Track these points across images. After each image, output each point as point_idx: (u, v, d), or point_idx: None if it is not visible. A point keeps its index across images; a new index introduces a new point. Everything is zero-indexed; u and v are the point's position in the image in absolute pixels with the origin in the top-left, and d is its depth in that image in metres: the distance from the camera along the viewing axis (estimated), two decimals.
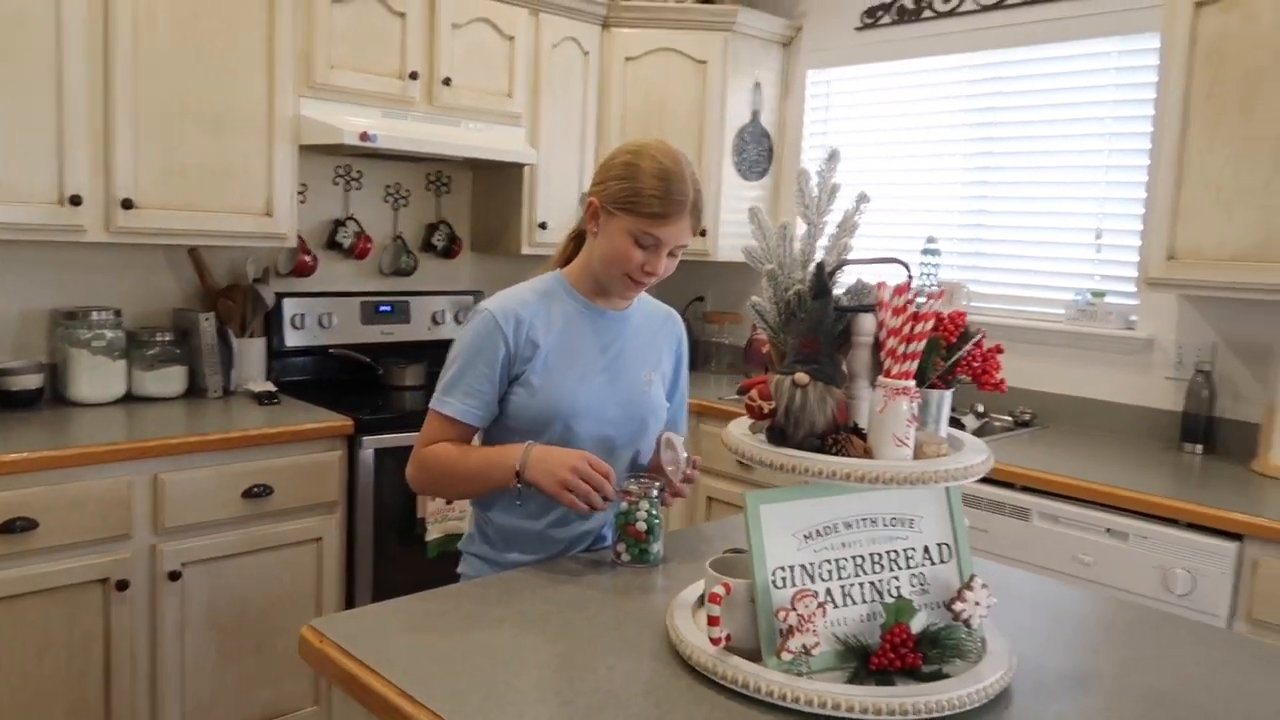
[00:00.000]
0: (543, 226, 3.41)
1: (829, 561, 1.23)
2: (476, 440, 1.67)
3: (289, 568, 2.59)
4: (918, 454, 1.20)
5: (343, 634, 1.29)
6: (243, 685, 2.55)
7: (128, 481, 2.31)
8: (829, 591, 1.22)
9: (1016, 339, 3.03)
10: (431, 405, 1.62)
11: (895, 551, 1.26)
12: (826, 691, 1.11)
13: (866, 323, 1.24)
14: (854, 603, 1.23)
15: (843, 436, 1.19)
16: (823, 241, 1.30)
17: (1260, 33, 2.33)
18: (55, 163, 2.42)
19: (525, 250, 3.41)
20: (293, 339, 3.14)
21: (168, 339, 2.83)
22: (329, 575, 2.67)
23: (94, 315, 2.71)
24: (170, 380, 2.82)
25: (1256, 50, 2.34)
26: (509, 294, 1.67)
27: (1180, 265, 2.47)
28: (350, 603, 2.71)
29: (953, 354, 1.24)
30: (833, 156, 1.30)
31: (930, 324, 1.18)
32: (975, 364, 1.26)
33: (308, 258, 3.17)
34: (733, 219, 3.62)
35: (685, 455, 1.59)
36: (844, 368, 1.24)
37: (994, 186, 3.25)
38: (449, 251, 3.55)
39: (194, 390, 2.87)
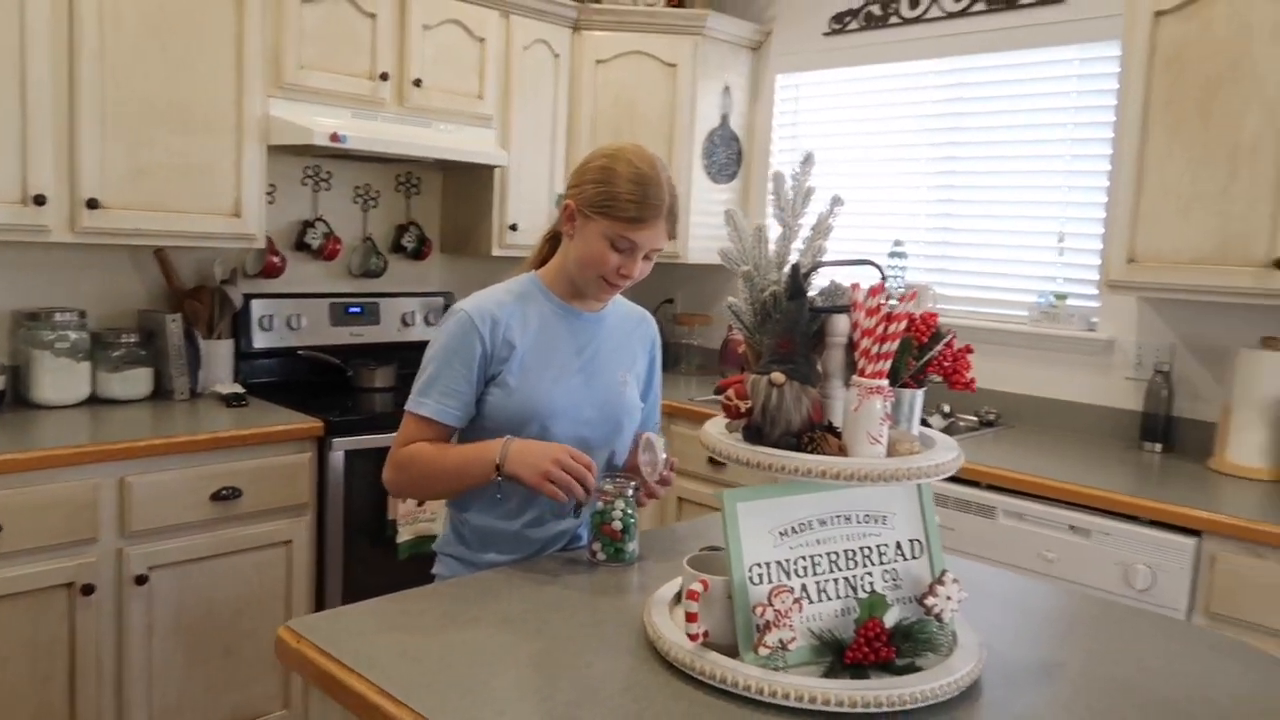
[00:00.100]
0: (513, 228, 3.41)
1: (804, 558, 1.25)
2: (453, 442, 1.68)
3: (258, 570, 2.57)
4: (891, 452, 1.22)
5: (320, 634, 1.29)
6: (211, 689, 2.52)
7: (93, 484, 2.28)
8: (804, 587, 1.24)
9: (981, 340, 3.08)
10: (407, 406, 1.62)
11: (868, 548, 1.29)
12: (803, 685, 1.13)
13: (840, 323, 1.27)
14: (829, 598, 1.25)
15: (818, 435, 1.21)
16: (797, 243, 1.32)
17: (1217, 42, 2.39)
18: (19, 162, 2.38)
19: (496, 252, 3.41)
20: (261, 340, 3.11)
21: (133, 340, 2.80)
22: (299, 578, 2.65)
23: (58, 316, 2.67)
24: (136, 382, 2.79)
25: (1213, 59, 2.40)
26: (485, 295, 1.67)
27: (1140, 268, 2.53)
28: (320, 605, 2.69)
29: (924, 354, 1.27)
30: (808, 160, 1.32)
31: (903, 325, 1.20)
32: (946, 364, 1.28)
33: (276, 259, 3.15)
34: (703, 221, 3.64)
35: (664, 456, 1.60)
36: (819, 367, 1.27)
37: (959, 190, 3.30)
38: (419, 253, 3.54)
39: (160, 392, 2.84)
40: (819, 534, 1.27)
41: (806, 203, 1.32)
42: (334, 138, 2.79)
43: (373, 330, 3.38)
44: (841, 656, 1.19)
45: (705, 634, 1.21)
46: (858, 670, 1.18)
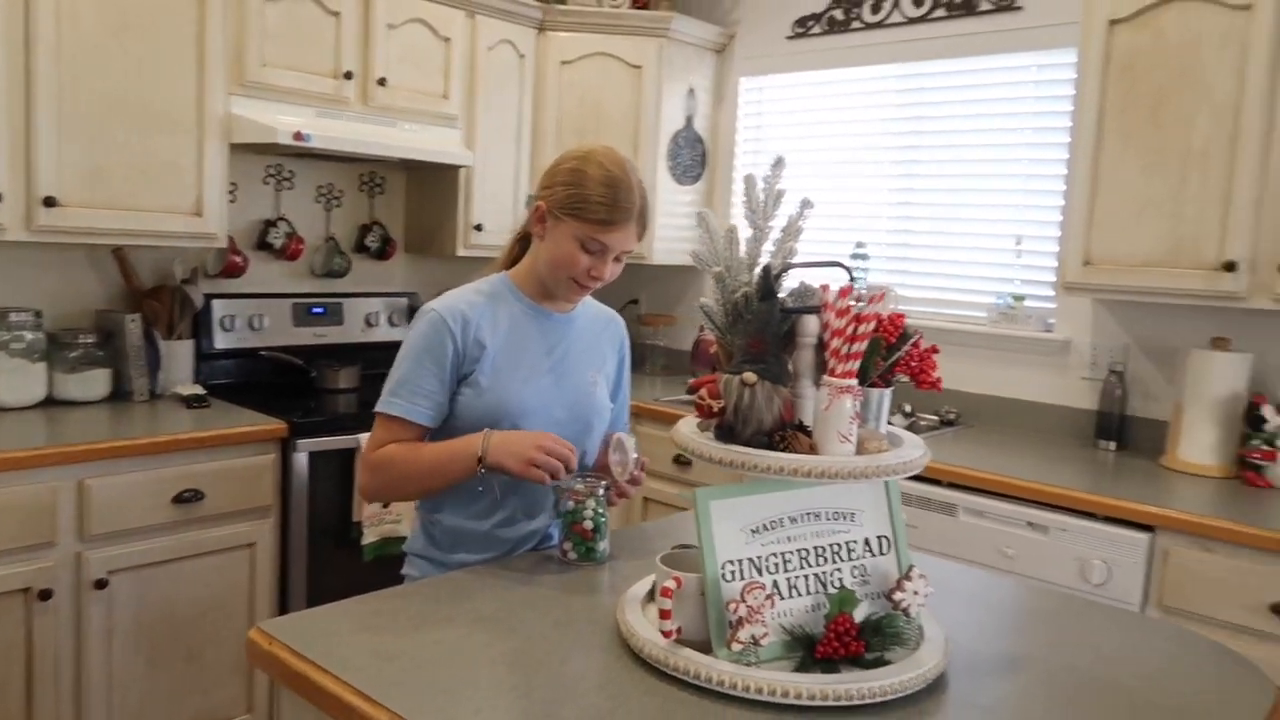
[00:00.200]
0: (478, 228, 3.41)
1: (775, 555, 1.27)
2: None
3: (221, 574, 2.54)
4: (860, 450, 1.25)
5: (292, 635, 1.29)
6: (173, 695, 2.49)
7: (51, 488, 2.24)
8: (775, 584, 1.26)
9: (941, 341, 3.09)
10: (379, 407, 1.61)
11: (838, 544, 1.31)
12: (775, 680, 1.15)
13: (810, 324, 1.29)
14: (799, 594, 1.27)
15: (789, 433, 1.23)
16: (768, 245, 1.34)
17: (1168, 51, 2.46)
18: None
19: (461, 252, 3.40)
20: (222, 341, 3.08)
21: (90, 341, 2.76)
22: (262, 581, 2.62)
23: (13, 316, 2.62)
24: (93, 383, 2.74)
25: (1165, 67, 2.47)
26: (455, 295, 1.67)
27: (1096, 270, 2.59)
28: (284, 608, 2.67)
29: (892, 354, 1.30)
30: (778, 163, 1.34)
31: (872, 325, 1.23)
32: (913, 364, 1.31)
33: (238, 258, 3.12)
34: (668, 223, 3.66)
35: (635, 456, 1.62)
36: (789, 367, 1.29)
37: (919, 194, 3.35)
38: (383, 253, 3.52)
39: (119, 394, 2.80)
40: (789, 531, 1.29)
41: (777, 205, 1.34)
42: (298, 136, 2.77)
43: (336, 331, 3.35)
44: (812, 651, 1.21)
45: (678, 631, 1.23)
46: (828, 664, 1.20)
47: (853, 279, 1.30)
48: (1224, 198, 2.39)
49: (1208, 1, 2.40)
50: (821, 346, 1.28)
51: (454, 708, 1.12)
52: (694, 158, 3.77)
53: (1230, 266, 2.37)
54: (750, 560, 1.25)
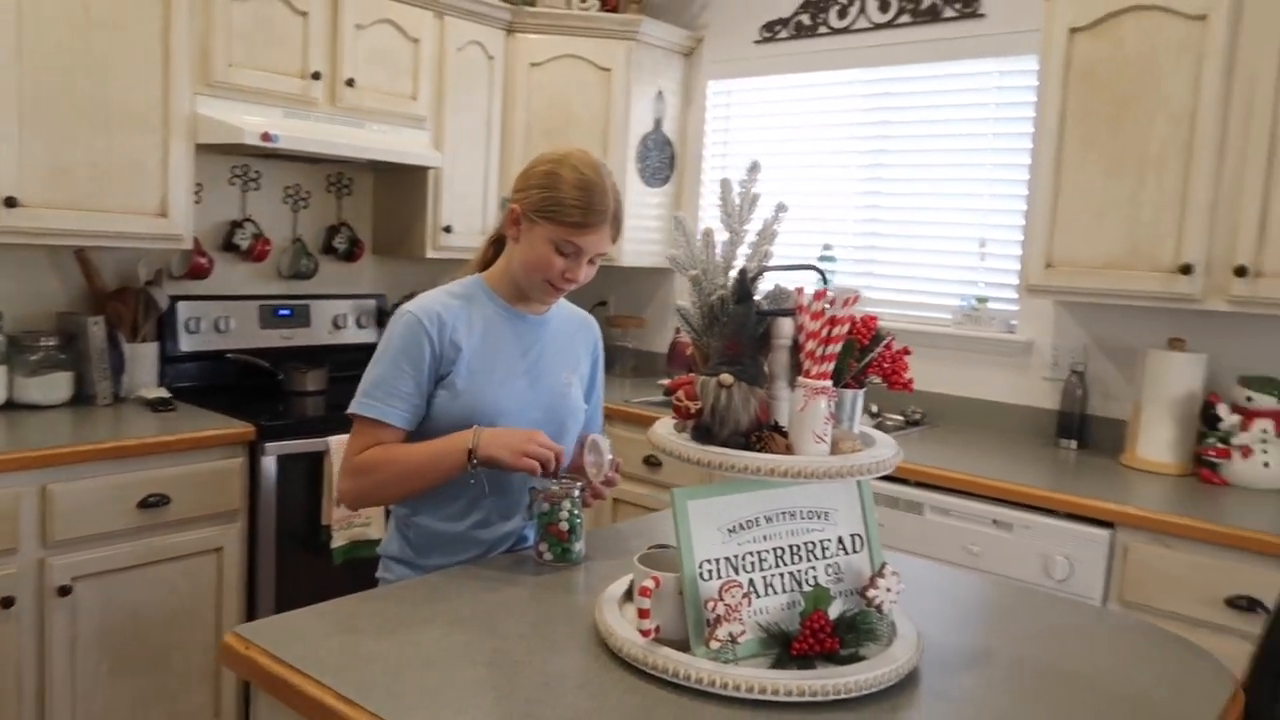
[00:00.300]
0: (448, 230, 3.40)
1: (752, 554, 1.29)
2: None
3: (188, 579, 2.51)
4: (834, 450, 1.27)
5: (269, 639, 1.28)
6: (138, 703, 2.46)
7: (14, 493, 2.20)
8: (752, 582, 1.28)
9: (907, 342, 3.12)
10: (354, 409, 1.61)
11: (812, 543, 1.33)
12: (753, 677, 1.17)
13: (785, 326, 1.31)
14: (775, 592, 1.29)
15: (766, 434, 1.25)
16: (744, 248, 1.36)
17: (1126, 59, 2.52)
18: None
19: (430, 254, 3.39)
20: (187, 343, 3.04)
21: (52, 344, 2.71)
22: (229, 586, 2.60)
23: None
24: (55, 387, 2.70)
25: (1123, 74, 2.53)
26: (430, 296, 1.68)
27: (1057, 273, 2.65)
28: (252, 613, 2.64)
29: (865, 356, 1.32)
30: (754, 167, 1.36)
31: (846, 328, 1.25)
32: (886, 365, 1.34)
33: (203, 260, 3.08)
34: (637, 224, 3.68)
35: (610, 457, 1.63)
36: (765, 369, 1.31)
37: (886, 197, 3.40)
38: (350, 254, 3.50)
39: (81, 397, 2.76)
40: (765, 530, 1.31)
41: (752, 209, 1.36)
42: (265, 137, 2.75)
43: (303, 333, 3.33)
44: (788, 648, 1.23)
45: (657, 629, 1.24)
46: (804, 661, 1.22)
47: (826, 282, 1.32)
48: (1180, 202, 2.45)
49: (1165, 12, 2.46)
50: (796, 348, 1.30)
51: (436, 709, 1.12)
52: (663, 160, 3.79)
53: (1186, 269, 2.43)
54: (727, 559, 1.27)
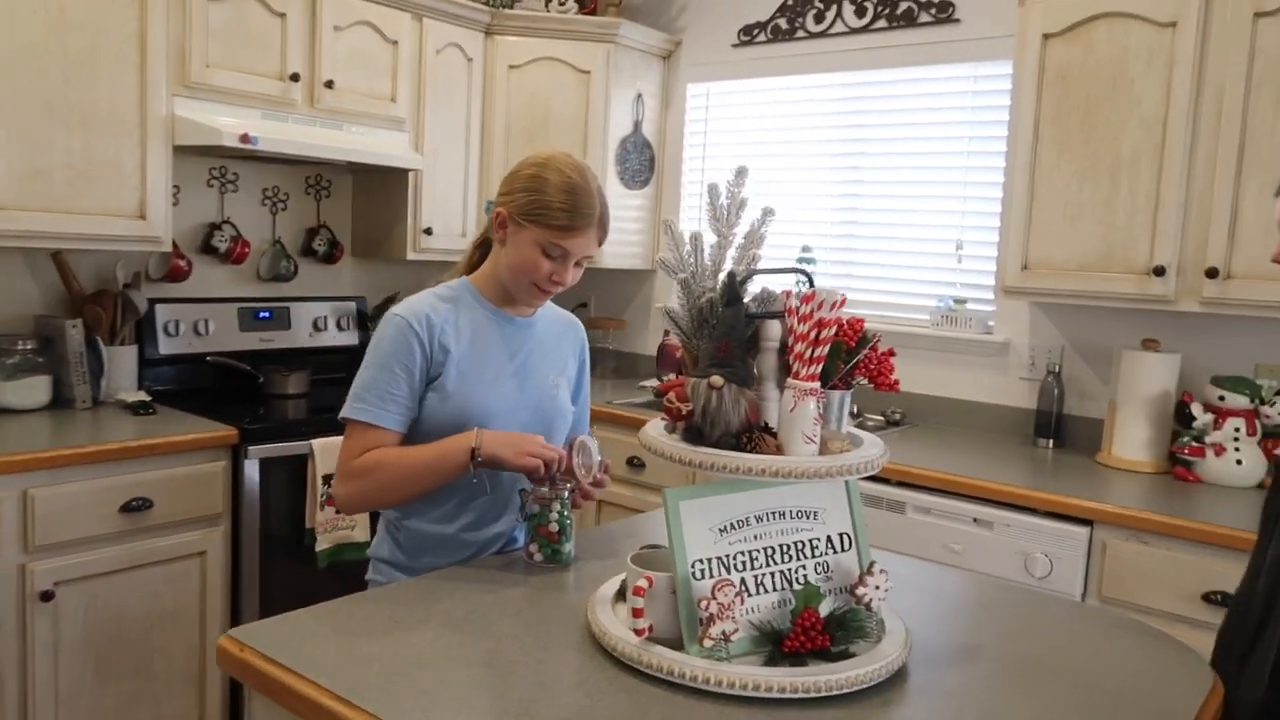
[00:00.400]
0: (428, 232, 3.40)
1: (743, 553, 1.31)
2: None
3: (171, 583, 2.50)
4: (823, 450, 1.29)
5: (264, 641, 1.29)
6: (121, 708, 2.44)
7: None
8: (743, 581, 1.30)
9: (886, 343, 3.20)
10: (347, 414, 1.61)
11: (802, 542, 1.35)
12: (747, 674, 1.18)
13: (773, 328, 1.33)
14: (766, 591, 1.31)
15: (756, 435, 1.27)
16: (731, 252, 1.38)
17: (1098, 64, 2.57)
18: None
19: (411, 256, 3.38)
20: (167, 346, 3.02)
21: (30, 347, 2.69)
22: (213, 590, 2.59)
23: None
24: (33, 391, 2.68)
25: (1095, 80, 2.57)
26: (418, 299, 1.68)
27: (1033, 275, 2.69)
28: (236, 617, 2.63)
29: (852, 357, 1.35)
30: (741, 172, 1.38)
31: (833, 330, 1.27)
32: (872, 366, 1.36)
33: (182, 262, 3.07)
34: (617, 226, 3.61)
35: (599, 459, 1.64)
36: (754, 371, 1.32)
37: (863, 199, 3.43)
38: (330, 256, 3.49)
39: (60, 401, 2.73)
40: (755, 530, 1.33)
41: (740, 213, 1.38)
42: (244, 139, 2.74)
43: (283, 335, 3.31)
44: (780, 646, 1.25)
45: (650, 629, 1.26)
46: (796, 658, 1.24)
47: (813, 285, 1.34)
48: (1152, 205, 2.50)
49: (1135, 19, 2.51)
50: (783, 350, 1.32)
51: (433, 709, 1.13)
52: (642, 162, 3.81)
53: (1159, 271, 2.48)
54: (719, 559, 1.29)
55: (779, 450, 1.27)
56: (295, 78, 2.97)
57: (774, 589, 1.32)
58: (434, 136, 3.39)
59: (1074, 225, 2.62)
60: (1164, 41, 2.47)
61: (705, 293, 1.34)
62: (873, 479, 2.57)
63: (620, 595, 1.42)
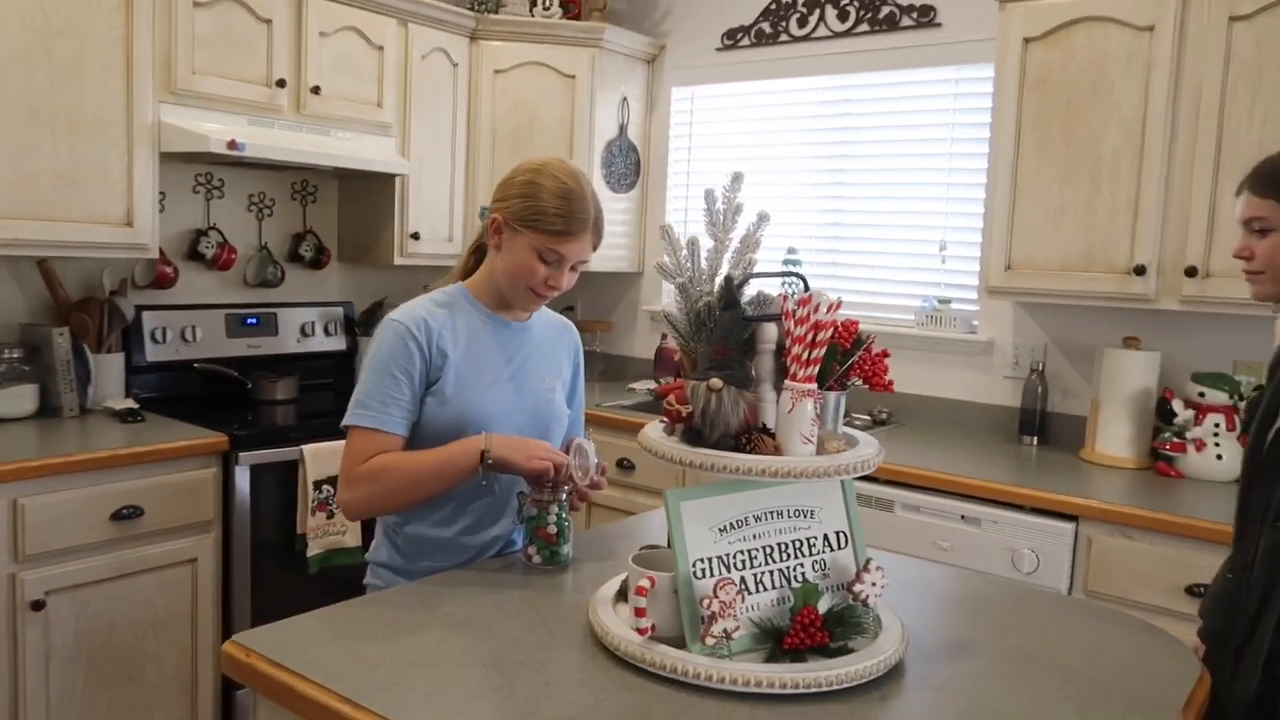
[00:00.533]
0: (415, 237, 3.40)
1: (742, 552, 1.33)
2: None
3: (162, 591, 2.49)
4: (820, 450, 1.31)
5: (269, 646, 1.29)
6: (114, 716, 2.44)
7: None
8: (743, 580, 1.32)
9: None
10: (351, 421, 1.61)
11: (799, 540, 1.38)
12: (749, 671, 1.20)
13: (770, 331, 1.35)
14: (765, 589, 1.34)
15: (755, 436, 1.29)
16: (728, 256, 1.40)
17: (1078, 68, 2.61)
18: None
19: (398, 261, 3.39)
20: (154, 353, 3.01)
21: (16, 355, 2.68)
22: (205, 596, 2.58)
23: None
24: (20, 399, 2.66)
25: (1074, 83, 2.62)
26: (414, 305, 1.69)
27: (1017, 275, 2.73)
28: (227, 624, 2.63)
29: (847, 359, 1.37)
30: (736, 178, 1.40)
31: (830, 332, 1.30)
32: (867, 367, 1.39)
33: (168, 269, 3.06)
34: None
35: (595, 460, 1.66)
36: (752, 373, 1.35)
37: (848, 201, 3.47)
38: (317, 262, 3.49)
39: (47, 409, 2.72)
40: (755, 529, 1.35)
41: (736, 218, 1.40)
42: (232, 145, 2.74)
43: (271, 341, 3.31)
44: (780, 643, 1.27)
45: (653, 627, 1.27)
46: (796, 654, 1.26)
47: (808, 288, 1.37)
48: (1132, 206, 2.55)
49: (1114, 23, 2.55)
50: (780, 352, 1.34)
51: (440, 710, 1.15)
52: (628, 166, 3.83)
53: (1140, 270, 2.52)
54: (719, 558, 1.31)
55: (777, 451, 1.29)
56: (281, 84, 2.97)
57: (773, 587, 1.34)
58: (420, 141, 3.40)
59: (1056, 226, 2.66)
60: (1142, 45, 2.51)
61: (703, 296, 1.36)
62: (862, 478, 2.58)
63: (620, 595, 1.44)
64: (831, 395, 1.38)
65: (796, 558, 1.37)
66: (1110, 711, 1.22)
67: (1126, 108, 2.54)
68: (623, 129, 3.79)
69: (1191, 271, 2.46)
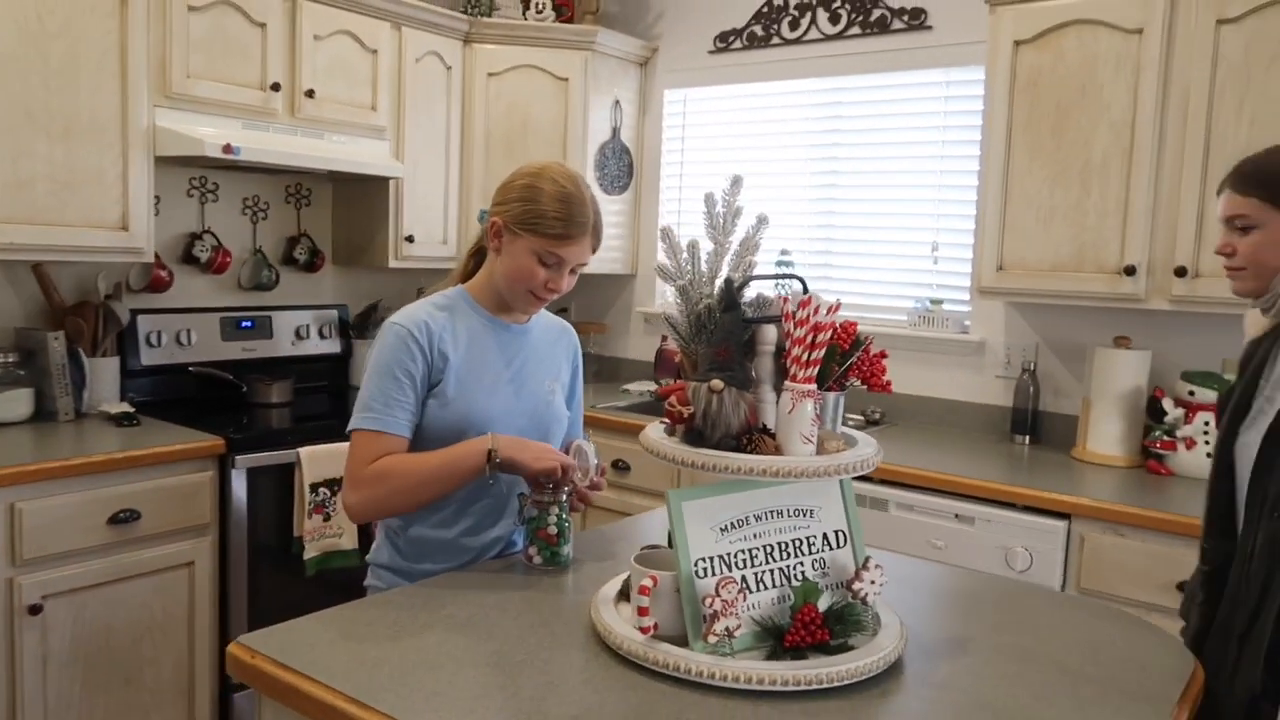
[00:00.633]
0: (409, 240, 3.41)
1: (743, 551, 1.34)
2: None
3: (159, 594, 2.50)
4: (820, 450, 1.33)
5: (273, 648, 1.30)
6: (112, 719, 2.44)
7: None
8: (744, 578, 1.33)
9: None
10: (356, 425, 1.62)
11: (799, 539, 1.39)
12: (751, 668, 1.22)
13: (769, 332, 1.37)
14: (765, 588, 1.35)
15: (755, 436, 1.31)
16: (728, 258, 1.42)
17: (1068, 71, 2.64)
18: None
19: (393, 263, 3.39)
20: (149, 357, 3.01)
21: (11, 360, 2.68)
22: (202, 600, 2.58)
23: None
24: (15, 403, 2.66)
25: (1064, 85, 2.64)
26: (415, 308, 1.70)
27: (1008, 275, 2.76)
28: (224, 627, 2.63)
29: (846, 360, 1.39)
30: (736, 182, 1.42)
31: (829, 334, 1.31)
32: (865, 368, 1.40)
33: (163, 272, 3.06)
34: None
35: (595, 462, 1.67)
36: (752, 374, 1.36)
37: (840, 203, 3.49)
38: (311, 265, 3.49)
39: (42, 413, 2.72)
40: (755, 529, 1.36)
41: (735, 221, 1.41)
42: (227, 149, 2.74)
43: (266, 344, 3.31)
44: (781, 640, 1.28)
45: (656, 626, 1.29)
46: (797, 652, 1.28)
47: (807, 290, 1.38)
48: (1122, 207, 2.57)
49: (1103, 26, 2.58)
50: (779, 353, 1.36)
51: (446, 709, 1.16)
52: (621, 168, 3.84)
53: (1130, 271, 2.55)
54: (720, 557, 1.33)
55: (778, 451, 1.31)
56: (276, 87, 2.97)
57: (773, 585, 1.35)
58: (414, 144, 3.41)
59: (1046, 227, 2.69)
60: (1131, 48, 2.54)
61: (703, 299, 1.38)
62: (857, 478, 2.61)
63: (622, 595, 1.45)
64: (830, 396, 1.39)
65: (796, 556, 1.38)
66: (1106, 706, 1.24)
67: (1116, 110, 2.57)
68: (615, 131, 3.80)
69: (1181, 272, 2.49)
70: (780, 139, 3.62)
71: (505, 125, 3.60)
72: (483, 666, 1.27)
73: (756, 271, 1.42)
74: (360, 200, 3.47)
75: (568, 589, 1.58)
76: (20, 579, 2.25)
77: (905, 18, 3.27)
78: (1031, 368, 2.99)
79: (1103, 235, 2.61)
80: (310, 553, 2.68)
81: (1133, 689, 1.30)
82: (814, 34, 3.48)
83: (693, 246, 1.40)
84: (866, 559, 1.38)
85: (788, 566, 1.37)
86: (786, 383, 1.31)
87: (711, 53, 3.74)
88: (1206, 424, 2.58)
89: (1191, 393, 2.63)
